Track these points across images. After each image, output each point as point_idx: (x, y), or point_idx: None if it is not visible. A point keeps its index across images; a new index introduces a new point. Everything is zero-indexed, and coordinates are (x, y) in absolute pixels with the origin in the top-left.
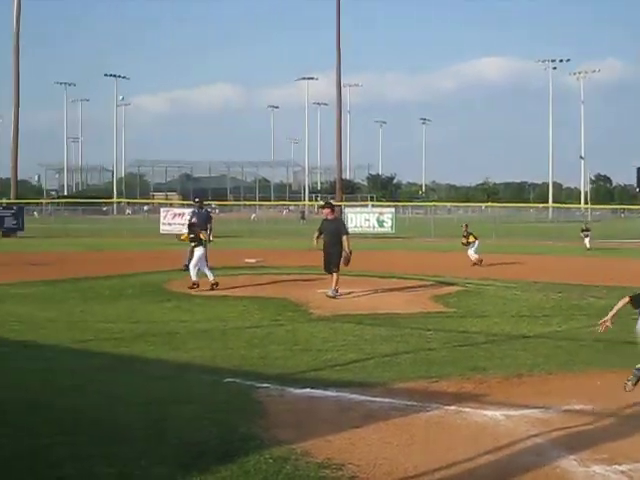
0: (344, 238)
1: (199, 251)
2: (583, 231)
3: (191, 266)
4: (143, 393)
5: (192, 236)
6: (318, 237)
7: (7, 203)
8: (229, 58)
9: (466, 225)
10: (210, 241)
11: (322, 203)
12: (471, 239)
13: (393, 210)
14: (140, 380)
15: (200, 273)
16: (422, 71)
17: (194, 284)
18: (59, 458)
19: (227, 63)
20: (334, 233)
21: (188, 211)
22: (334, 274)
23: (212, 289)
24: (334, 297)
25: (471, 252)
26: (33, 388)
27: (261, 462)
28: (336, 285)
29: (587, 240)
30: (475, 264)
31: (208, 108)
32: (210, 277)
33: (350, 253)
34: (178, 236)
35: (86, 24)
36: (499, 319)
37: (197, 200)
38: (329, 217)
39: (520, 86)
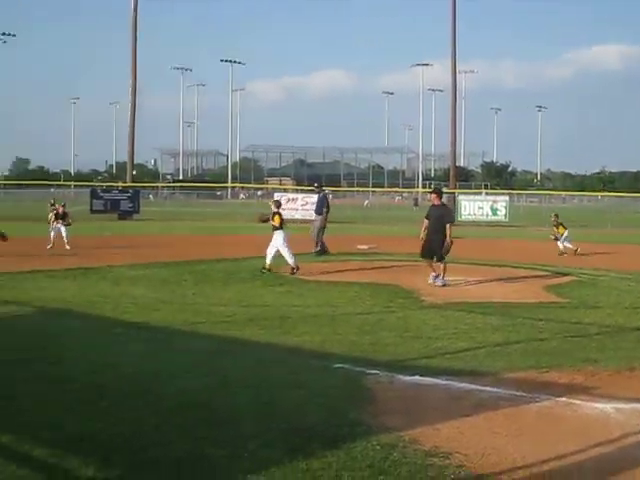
0: (447, 226)
1: (279, 235)
2: None
3: (268, 251)
4: (253, 376)
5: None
6: (426, 226)
7: (123, 186)
8: (343, 44)
9: (556, 215)
10: (325, 226)
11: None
12: (561, 230)
13: (507, 198)
14: (250, 363)
15: (274, 257)
16: (538, 58)
17: (293, 269)
18: (170, 439)
19: (341, 49)
20: (438, 220)
21: (301, 196)
22: (441, 263)
23: (292, 273)
24: (443, 285)
25: (563, 243)
26: (145, 369)
27: (368, 448)
28: (444, 274)
29: None
30: (564, 253)
31: (322, 94)
32: (290, 261)
33: (451, 243)
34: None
35: (205, 9)
36: (612, 310)
37: (316, 185)
38: (435, 203)
39: (637, 73)
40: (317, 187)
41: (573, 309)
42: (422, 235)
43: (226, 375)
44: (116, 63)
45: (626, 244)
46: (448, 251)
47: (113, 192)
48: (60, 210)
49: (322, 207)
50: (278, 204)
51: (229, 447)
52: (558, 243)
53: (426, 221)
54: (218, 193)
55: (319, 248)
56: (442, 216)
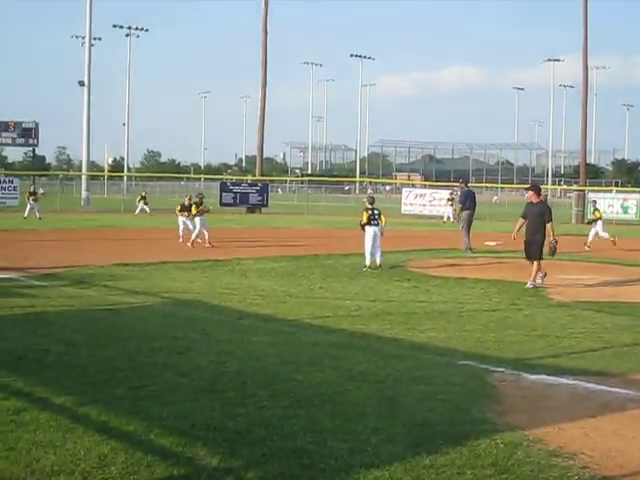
0: (548, 226)
1: (366, 233)
2: None
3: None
4: (377, 371)
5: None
6: (521, 225)
7: (252, 180)
8: (473, 40)
9: (594, 202)
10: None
11: (565, 187)
12: (597, 214)
13: (638, 197)
14: (375, 358)
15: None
16: None
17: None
18: (293, 430)
19: (471, 45)
20: (537, 218)
21: (429, 192)
22: (535, 262)
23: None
24: (534, 287)
25: (602, 233)
26: (271, 361)
27: (492, 446)
28: (536, 275)
29: None
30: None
31: (451, 89)
32: (368, 260)
33: (556, 242)
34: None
35: (333, 5)
36: None
37: (461, 180)
38: (534, 200)
39: None
40: (462, 182)
41: None
42: (514, 234)
43: (350, 369)
44: (247, 57)
45: None
46: (555, 250)
47: (242, 185)
48: (186, 202)
49: (467, 201)
50: (371, 200)
51: (352, 441)
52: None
53: (521, 220)
54: (346, 188)
55: (470, 246)
56: (542, 214)
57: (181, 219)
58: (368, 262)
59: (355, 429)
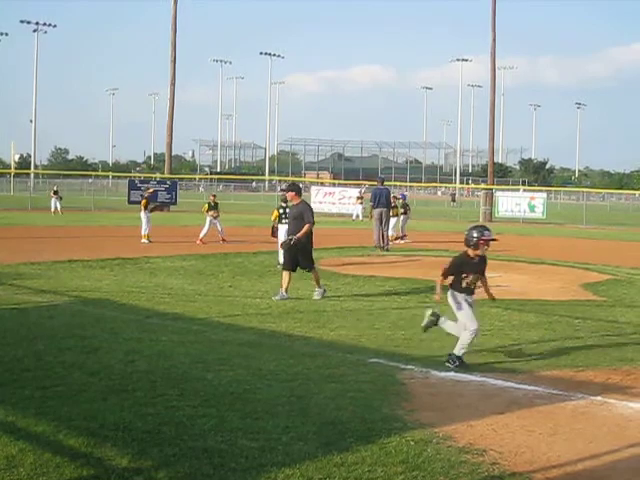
0: (306, 226)
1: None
2: None
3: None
4: (287, 369)
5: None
6: (274, 232)
7: (161, 178)
8: (382, 39)
9: (403, 196)
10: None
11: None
12: (396, 212)
13: (545, 195)
14: (285, 356)
15: None
16: (576, 55)
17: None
18: (204, 430)
19: (380, 44)
20: (298, 221)
21: (339, 190)
22: (313, 272)
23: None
24: (321, 298)
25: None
26: (180, 360)
27: (402, 444)
28: (318, 283)
29: None
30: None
31: (361, 88)
32: (280, 257)
33: (298, 240)
34: None
35: (244, 2)
36: None
37: (380, 178)
38: (295, 202)
39: None
40: (380, 181)
41: (609, 308)
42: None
43: (261, 368)
44: (157, 54)
45: None
46: (289, 245)
47: (151, 183)
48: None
49: (386, 201)
50: (284, 198)
51: (263, 439)
52: None
53: (273, 223)
54: (254, 185)
55: (381, 244)
56: (301, 215)
57: (208, 218)
58: (281, 260)
59: (266, 428)
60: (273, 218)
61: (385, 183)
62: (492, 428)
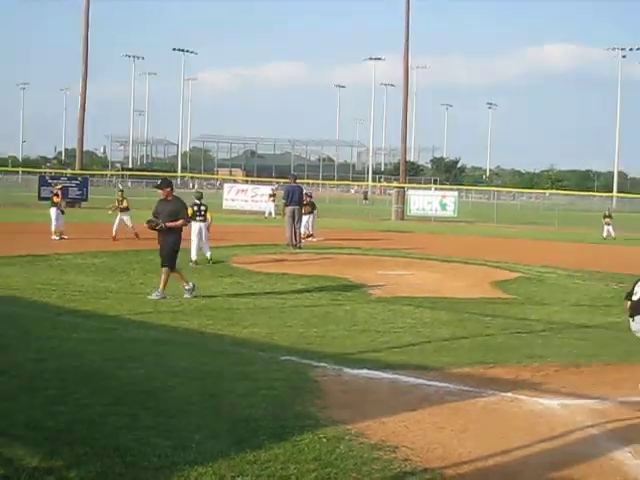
0: (181, 221)
1: (192, 227)
2: (606, 217)
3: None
4: (200, 367)
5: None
6: (151, 223)
7: (72, 174)
8: (295, 36)
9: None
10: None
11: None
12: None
13: (456, 194)
14: (197, 354)
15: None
16: (488, 55)
17: (190, 262)
18: (116, 428)
19: (293, 42)
20: (172, 217)
21: (251, 187)
22: (164, 269)
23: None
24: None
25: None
26: (91, 358)
27: (315, 441)
28: (164, 285)
29: (610, 228)
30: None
31: (274, 86)
32: (192, 254)
33: (164, 226)
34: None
35: None
36: (559, 307)
37: (294, 174)
38: (168, 197)
39: (587, 73)
40: (292, 178)
41: (520, 305)
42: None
43: (173, 365)
44: (69, 49)
45: (573, 242)
46: (152, 227)
47: (62, 179)
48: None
49: (298, 198)
50: (198, 195)
51: (175, 437)
52: None
53: (150, 218)
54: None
55: (293, 242)
56: (176, 212)
57: (118, 214)
58: (194, 257)
59: (178, 426)
60: (189, 216)
61: (297, 181)
62: (404, 425)
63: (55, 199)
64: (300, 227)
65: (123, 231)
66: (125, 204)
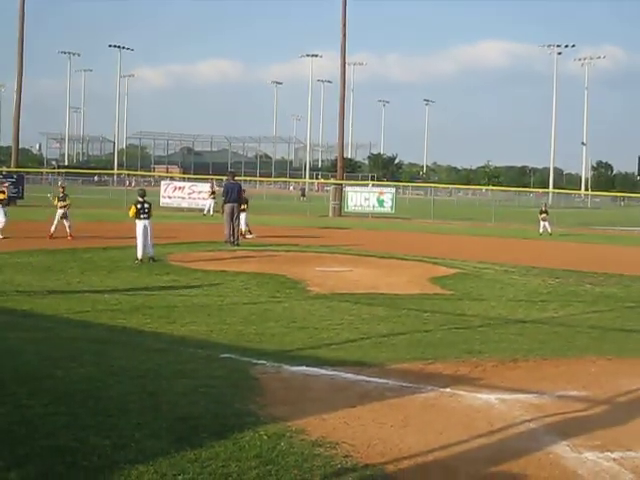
0: None
1: (136, 225)
2: (542, 213)
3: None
4: (139, 366)
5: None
6: None
7: (7, 171)
8: (228, 34)
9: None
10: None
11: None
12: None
13: (393, 190)
14: (136, 353)
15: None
16: (423, 52)
17: (136, 260)
18: (55, 428)
19: (226, 39)
20: None
21: (189, 185)
22: None
23: (139, 263)
24: None
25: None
26: (29, 358)
27: (256, 439)
28: None
29: (546, 224)
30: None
31: (211, 82)
32: (138, 252)
33: None
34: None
35: None
36: (496, 303)
37: (231, 170)
38: None
39: (523, 70)
40: (231, 175)
41: (457, 301)
42: None
43: (112, 364)
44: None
45: (510, 237)
46: None
47: None
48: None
49: (237, 195)
50: (141, 193)
51: (115, 436)
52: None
53: None
54: (99, 179)
55: (231, 239)
56: None
57: (58, 211)
58: (140, 255)
59: (118, 425)
60: (131, 214)
61: (236, 178)
62: (344, 421)
63: (1, 196)
64: (239, 224)
65: (62, 231)
66: (68, 201)
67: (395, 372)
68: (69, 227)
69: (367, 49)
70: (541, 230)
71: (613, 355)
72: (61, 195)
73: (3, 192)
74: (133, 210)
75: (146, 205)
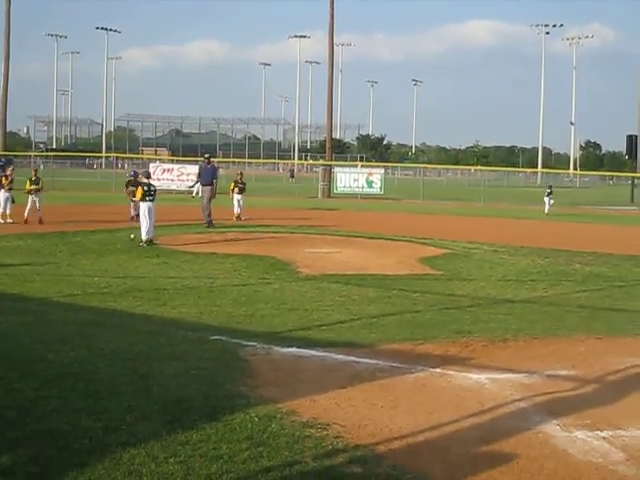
0: None
1: (140, 207)
2: (549, 195)
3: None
4: (129, 348)
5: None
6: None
7: None
8: (217, 15)
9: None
10: (214, 196)
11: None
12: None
13: (382, 171)
14: (127, 335)
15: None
16: (411, 32)
17: (141, 242)
18: (46, 411)
19: (215, 20)
20: None
21: (177, 167)
22: None
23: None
24: None
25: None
26: (20, 341)
27: (247, 420)
28: None
29: (552, 202)
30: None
31: (198, 64)
32: (143, 234)
33: None
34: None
35: None
36: (485, 283)
37: (206, 156)
38: None
39: (511, 50)
40: (207, 158)
41: (447, 281)
42: None
43: (102, 347)
44: None
45: (499, 217)
46: None
47: None
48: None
49: (212, 178)
50: (147, 175)
51: (106, 419)
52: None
53: None
54: (88, 161)
55: (210, 219)
56: None
57: (30, 196)
58: (144, 237)
59: (109, 408)
60: (138, 196)
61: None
62: (335, 402)
63: (4, 181)
64: (210, 206)
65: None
66: (41, 184)
67: (385, 353)
68: (40, 210)
69: (354, 30)
70: (547, 210)
71: (602, 334)
72: (34, 178)
73: (6, 177)
74: (140, 192)
75: (152, 187)
